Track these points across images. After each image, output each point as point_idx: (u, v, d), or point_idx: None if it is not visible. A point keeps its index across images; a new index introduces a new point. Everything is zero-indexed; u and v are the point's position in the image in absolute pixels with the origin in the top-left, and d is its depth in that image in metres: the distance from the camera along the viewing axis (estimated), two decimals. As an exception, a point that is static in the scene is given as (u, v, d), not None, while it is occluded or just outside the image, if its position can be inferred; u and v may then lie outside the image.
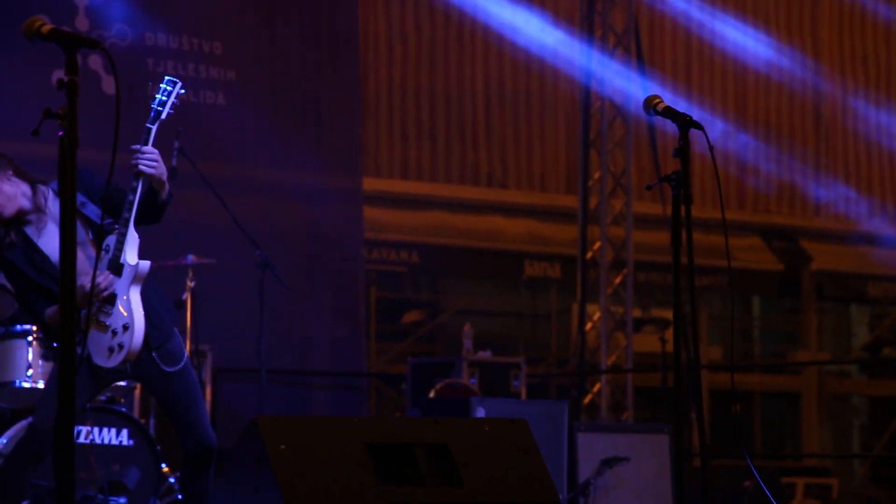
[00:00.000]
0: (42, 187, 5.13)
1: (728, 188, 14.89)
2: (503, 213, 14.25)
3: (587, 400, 12.01)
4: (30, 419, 6.33)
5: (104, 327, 5.00)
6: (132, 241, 5.01)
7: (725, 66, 15.35)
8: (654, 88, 13.00)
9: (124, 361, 5.02)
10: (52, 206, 5.11)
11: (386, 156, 13.72)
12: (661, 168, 12.24)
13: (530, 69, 14.02)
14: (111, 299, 5.00)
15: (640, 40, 12.56)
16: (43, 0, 9.24)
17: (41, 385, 6.57)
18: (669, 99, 4.64)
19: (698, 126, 4.42)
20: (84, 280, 4.87)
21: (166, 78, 5.13)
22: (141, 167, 4.93)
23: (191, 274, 8.06)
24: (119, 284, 5.00)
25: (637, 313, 12.99)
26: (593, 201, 12.36)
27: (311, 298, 10.44)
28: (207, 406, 6.96)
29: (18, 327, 6.64)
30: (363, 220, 11.25)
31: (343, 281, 10.83)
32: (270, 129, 10.51)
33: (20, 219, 5.10)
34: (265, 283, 8.17)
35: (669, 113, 4.46)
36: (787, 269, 15.75)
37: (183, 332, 7.79)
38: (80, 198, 4.95)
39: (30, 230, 5.11)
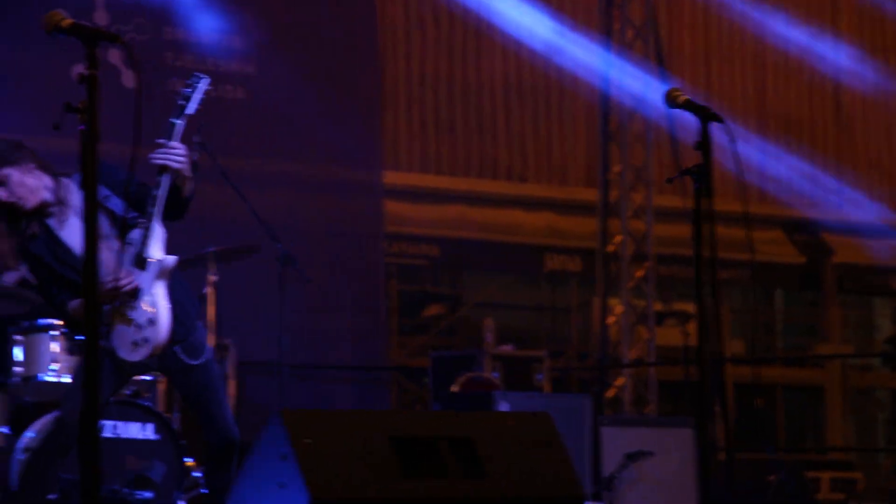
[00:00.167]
0: (65, 180, 5.13)
1: (749, 181, 14.85)
2: (523, 207, 14.23)
3: (610, 394, 11.98)
4: (56, 413, 6.35)
5: (129, 321, 5.01)
6: (157, 235, 5.01)
7: (745, 57, 15.30)
8: (672, 81, 12.97)
9: (149, 356, 5.02)
10: (75, 198, 5.11)
11: (405, 149, 13.71)
12: (681, 161, 12.21)
13: (549, 62, 13.99)
14: (135, 293, 5.00)
15: (658, 33, 12.53)
16: (62, -5, 9.24)
17: (65, 379, 6.58)
18: (687, 92, 4.62)
19: (719, 119, 4.39)
20: (107, 276, 4.87)
21: (193, 74, 5.12)
22: (167, 162, 4.92)
23: (213, 269, 8.06)
24: (144, 279, 5.00)
25: (658, 307, 12.97)
26: (613, 195, 12.33)
27: (332, 292, 10.44)
28: (230, 400, 6.97)
29: (43, 321, 6.65)
30: (383, 213, 11.25)
31: (364, 274, 10.83)
32: (290, 123, 10.51)
33: (42, 211, 5.11)
34: (286, 277, 8.16)
35: (690, 105, 4.44)
36: (809, 262, 15.69)
37: (206, 326, 7.79)
38: (103, 191, 4.96)
39: (52, 222, 5.11)
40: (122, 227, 4.99)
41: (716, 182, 4.37)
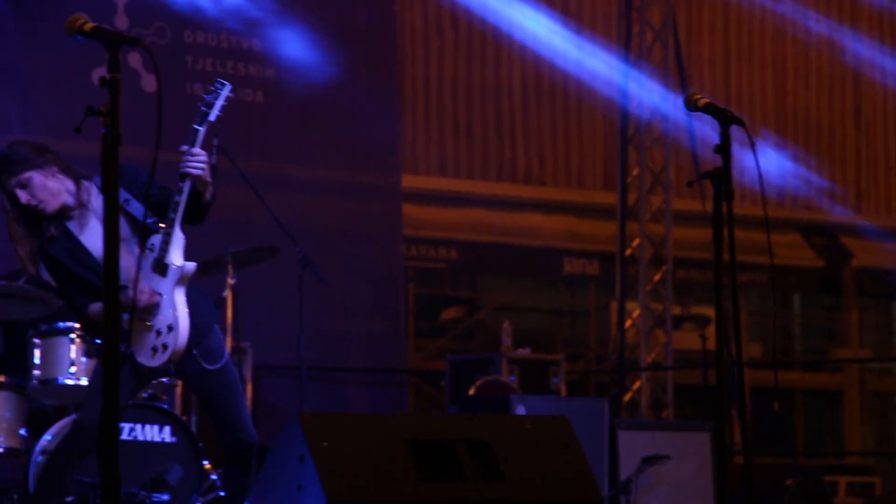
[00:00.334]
0: (86, 183, 5.14)
1: (767, 185, 14.80)
2: (541, 210, 14.22)
3: (627, 397, 11.97)
4: (74, 416, 6.37)
5: (149, 327, 5.02)
6: (178, 241, 5.01)
7: (764, 61, 15.27)
8: (691, 84, 12.96)
9: (168, 362, 5.03)
10: (96, 201, 5.12)
11: (423, 153, 13.72)
12: (700, 164, 12.19)
13: (567, 65, 13.98)
14: (157, 305, 5.02)
15: (678, 36, 12.51)
16: (82, -2, 9.28)
17: (84, 382, 6.59)
18: (707, 94, 4.60)
19: (740, 122, 4.38)
20: (127, 282, 4.88)
21: (216, 80, 5.12)
22: (188, 168, 4.93)
23: (231, 272, 8.07)
24: (164, 285, 5.01)
25: (676, 310, 12.95)
26: (632, 198, 12.32)
27: (349, 295, 10.45)
28: (248, 403, 6.97)
29: (61, 324, 6.67)
30: (402, 217, 11.26)
31: (382, 278, 10.83)
32: (309, 127, 10.53)
33: (63, 214, 5.12)
34: (304, 280, 8.18)
35: (710, 108, 4.42)
36: (828, 266, 15.65)
37: (223, 330, 7.79)
38: (124, 194, 4.97)
39: (72, 225, 5.13)
40: (143, 231, 5.01)
41: (735, 185, 4.36)
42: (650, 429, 8.26)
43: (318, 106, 10.56)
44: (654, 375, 12.11)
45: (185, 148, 4.96)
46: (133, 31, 9.57)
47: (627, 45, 12.37)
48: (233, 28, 10.24)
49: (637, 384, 12.04)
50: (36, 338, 6.68)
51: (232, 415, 5.17)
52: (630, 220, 12.32)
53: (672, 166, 12.41)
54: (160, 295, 5.01)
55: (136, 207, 5.00)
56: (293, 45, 10.49)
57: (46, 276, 5.30)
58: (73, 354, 6.62)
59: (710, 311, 12.50)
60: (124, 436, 6.59)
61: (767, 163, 14.53)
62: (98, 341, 6.48)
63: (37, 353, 6.67)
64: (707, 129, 11.98)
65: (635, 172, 12.33)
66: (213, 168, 6.85)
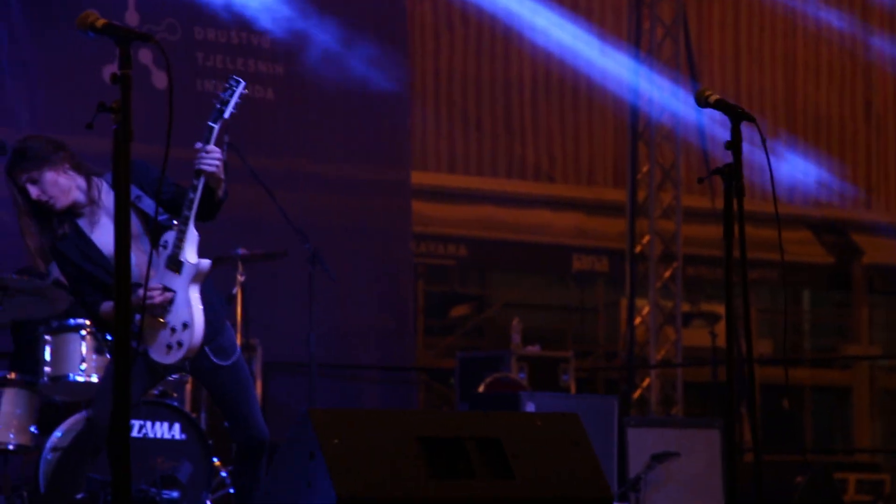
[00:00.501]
0: (96, 179, 5.14)
1: (777, 181, 14.75)
2: (551, 207, 14.21)
3: (636, 394, 11.96)
4: (85, 413, 6.38)
5: (163, 324, 5.02)
6: (192, 238, 5.02)
7: (775, 56, 15.24)
8: (702, 80, 12.94)
9: (183, 359, 5.04)
10: (106, 198, 5.12)
11: (433, 149, 13.71)
12: (710, 161, 12.17)
13: (577, 61, 13.96)
14: (170, 303, 5.02)
15: (688, 32, 12.49)
16: (93, -5, 9.28)
17: (94, 379, 6.60)
18: (718, 90, 4.59)
19: (751, 118, 4.37)
20: (139, 279, 4.88)
21: (231, 77, 5.12)
22: (202, 165, 4.94)
23: (240, 268, 8.08)
24: (179, 282, 5.01)
25: (686, 307, 12.94)
26: (642, 195, 12.31)
27: (359, 292, 10.45)
28: (258, 400, 6.98)
29: (72, 321, 6.68)
30: (411, 213, 11.26)
31: (391, 274, 10.83)
32: (319, 123, 10.53)
33: (74, 211, 5.12)
34: (314, 276, 8.18)
35: (721, 105, 4.41)
36: (838, 263, 15.63)
37: (233, 326, 7.81)
38: (135, 191, 4.98)
39: (83, 222, 5.13)
40: (154, 228, 5.01)
41: (745, 182, 4.35)
42: (660, 426, 8.26)
43: (328, 102, 10.56)
44: (664, 372, 12.10)
45: (199, 145, 4.96)
46: (143, 28, 9.57)
47: (638, 42, 12.36)
48: (243, 24, 10.25)
49: (647, 381, 12.03)
50: (47, 334, 6.69)
51: (244, 411, 5.17)
52: (640, 217, 12.31)
53: (682, 163, 12.39)
54: (173, 292, 5.01)
55: (148, 204, 5.01)
56: (303, 42, 10.49)
57: (57, 273, 5.31)
58: (83, 351, 6.63)
59: (719, 308, 12.50)
60: (134, 433, 6.59)
61: (778, 158, 14.51)
62: (110, 338, 6.49)
63: (47, 349, 6.68)
64: (717, 126, 11.98)
65: (645, 169, 12.31)
66: (224, 165, 6.87)
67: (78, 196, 5.10)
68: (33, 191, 5.04)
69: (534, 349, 10.26)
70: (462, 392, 9.82)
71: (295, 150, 10.44)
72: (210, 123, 5.01)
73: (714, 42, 15.00)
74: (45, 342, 6.68)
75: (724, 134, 4.41)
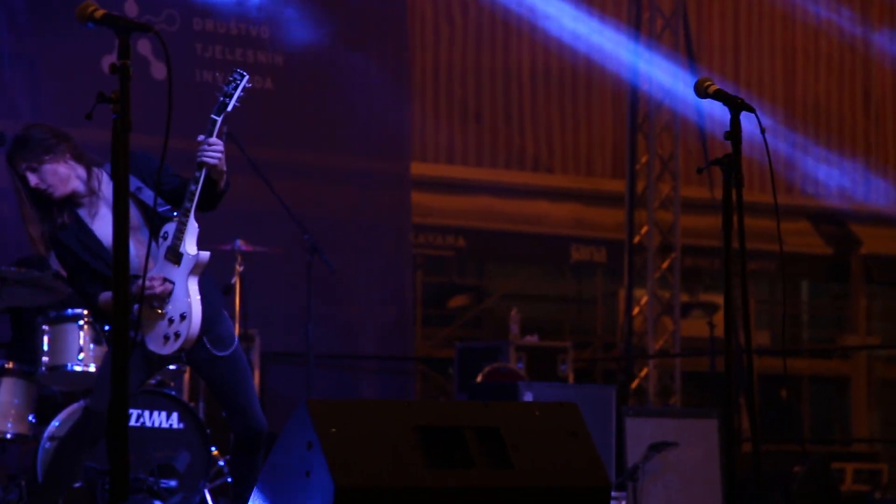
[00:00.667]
0: (96, 170, 5.14)
1: (776, 171, 14.73)
2: (549, 198, 14.21)
3: (635, 385, 11.98)
4: (83, 402, 6.38)
5: (162, 315, 5.03)
6: (192, 230, 5.02)
7: (774, 47, 15.23)
8: (701, 71, 12.93)
9: (180, 350, 5.04)
10: (106, 188, 5.12)
11: (432, 140, 13.71)
12: (709, 151, 12.17)
13: (576, 52, 13.96)
14: (168, 294, 5.02)
15: (688, 23, 12.49)
16: (92, -15, 9.27)
17: (92, 369, 6.61)
18: (717, 81, 4.59)
19: (750, 109, 4.37)
20: (138, 271, 4.88)
21: (235, 70, 5.12)
22: (205, 158, 4.94)
23: (239, 259, 8.09)
24: (178, 273, 5.02)
25: (684, 298, 12.95)
26: (640, 185, 12.32)
27: (358, 283, 10.46)
28: (256, 390, 6.99)
29: (70, 311, 6.68)
30: (410, 204, 11.26)
31: (390, 265, 10.84)
32: (318, 114, 10.53)
33: (73, 201, 5.12)
34: (313, 267, 8.19)
35: (721, 95, 4.41)
36: (836, 253, 15.63)
37: (231, 317, 7.80)
38: (135, 182, 4.98)
39: (82, 212, 5.13)
40: (153, 218, 5.02)
41: (744, 172, 4.35)
42: (657, 416, 8.27)
43: (327, 93, 10.56)
44: (662, 363, 12.12)
45: (201, 137, 4.96)
46: (142, 19, 9.56)
47: (637, 31, 12.35)
48: (242, 15, 10.24)
49: (644, 371, 12.05)
50: (45, 324, 6.70)
51: (241, 401, 5.18)
52: (638, 208, 12.31)
53: (681, 154, 12.40)
54: (171, 283, 5.02)
55: (148, 195, 5.01)
56: (303, 33, 10.49)
57: (56, 264, 5.31)
58: (81, 341, 6.64)
59: (718, 299, 12.50)
60: (132, 422, 6.60)
61: (777, 149, 14.50)
62: (108, 329, 6.49)
63: (45, 339, 6.69)
64: (717, 116, 11.97)
65: (644, 160, 12.32)
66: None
67: (77, 186, 5.10)
68: (32, 178, 5.04)
69: (532, 339, 10.27)
70: (460, 382, 9.83)
71: (294, 141, 10.44)
72: (213, 116, 5.01)
73: (714, 32, 14.99)
74: (43, 332, 6.69)
75: (724, 124, 4.40)
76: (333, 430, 4.06)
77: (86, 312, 6.64)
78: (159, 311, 5.02)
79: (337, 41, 10.66)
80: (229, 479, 6.94)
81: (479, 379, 9.38)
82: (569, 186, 14.28)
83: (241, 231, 8.10)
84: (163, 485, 6.54)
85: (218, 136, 5.00)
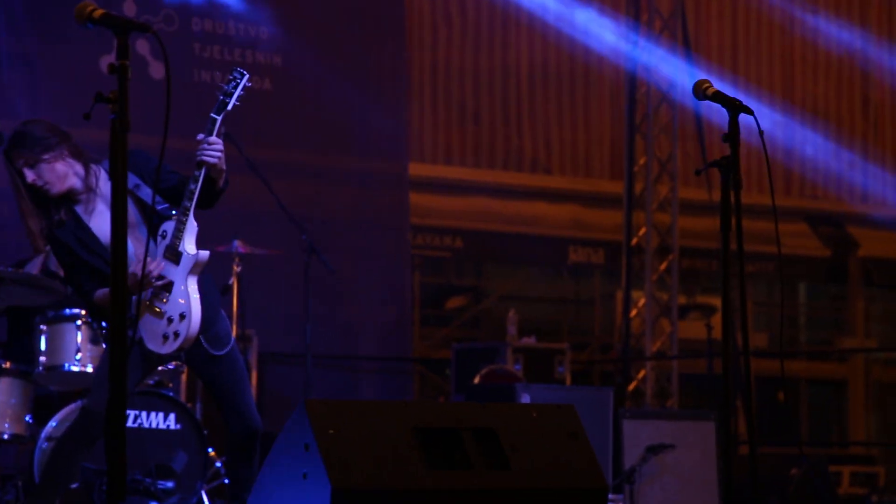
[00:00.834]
0: (94, 167, 5.14)
1: (774, 173, 14.74)
2: (547, 199, 14.21)
3: (632, 386, 11.98)
4: (80, 402, 6.38)
5: (160, 314, 5.02)
6: (191, 229, 5.02)
7: (772, 50, 15.24)
8: (700, 73, 12.93)
9: (179, 349, 5.04)
10: (104, 185, 5.12)
11: (430, 141, 13.71)
12: (707, 153, 12.18)
13: (575, 53, 13.97)
14: (168, 287, 5.02)
15: (686, 24, 12.49)
16: (90, -15, 9.27)
17: (90, 369, 6.60)
18: (716, 83, 4.59)
19: (748, 111, 4.37)
20: (136, 267, 4.89)
21: (234, 69, 5.12)
22: (204, 157, 4.93)
23: (237, 259, 8.08)
24: (177, 272, 5.01)
25: (682, 300, 12.95)
26: (638, 187, 12.32)
27: (356, 283, 10.46)
28: (253, 390, 6.99)
29: (67, 311, 6.68)
30: (408, 205, 11.26)
31: (388, 266, 10.84)
32: (316, 114, 10.53)
33: (71, 198, 5.12)
34: (311, 267, 8.18)
35: (719, 98, 4.42)
36: (834, 256, 15.63)
37: (229, 317, 7.80)
38: (134, 179, 4.98)
39: (80, 209, 5.13)
40: (151, 215, 5.01)
41: (742, 174, 4.35)
42: (655, 418, 8.26)
43: (326, 94, 10.56)
44: (659, 365, 12.12)
45: (201, 136, 4.96)
46: (141, 18, 9.56)
47: (636, 33, 12.36)
48: (240, 15, 10.24)
49: (642, 373, 12.05)
50: (42, 324, 6.69)
51: (238, 401, 5.18)
52: (636, 209, 12.31)
53: (679, 155, 12.40)
54: (171, 281, 5.01)
55: (147, 193, 5.01)
56: (301, 34, 10.49)
57: (53, 264, 5.31)
58: (79, 341, 6.63)
59: (715, 301, 12.50)
60: (129, 423, 6.60)
61: (775, 151, 14.50)
62: (105, 327, 6.49)
63: (43, 339, 6.68)
64: (716, 117, 11.97)
65: (642, 161, 12.32)
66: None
67: (75, 183, 5.10)
68: (29, 174, 5.04)
69: (529, 341, 10.27)
70: (458, 383, 9.83)
71: (292, 142, 10.44)
72: (213, 115, 5.00)
73: (712, 35, 14.99)
74: (41, 332, 6.68)
75: (722, 126, 4.40)
76: (331, 430, 4.06)
77: (83, 312, 6.63)
78: (158, 310, 5.01)
79: (334, 40, 10.66)
80: (226, 480, 6.95)
81: (476, 380, 9.38)
82: (567, 188, 14.29)
83: (239, 231, 8.10)
84: (160, 486, 6.53)
85: (217, 136, 4.99)
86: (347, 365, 10.75)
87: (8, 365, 6.71)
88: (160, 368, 6.69)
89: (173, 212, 5.02)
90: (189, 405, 7.20)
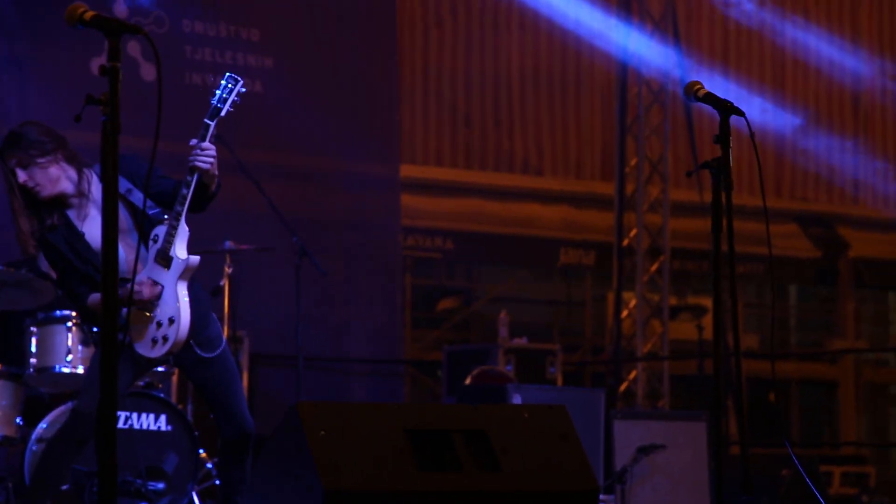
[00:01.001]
0: (86, 171, 5.13)
1: (765, 174, 14.75)
2: (538, 200, 14.22)
3: (623, 387, 11.99)
4: (71, 404, 6.37)
5: (150, 319, 5.02)
6: (182, 234, 5.01)
7: (763, 51, 15.26)
8: (691, 74, 12.95)
9: (168, 353, 5.04)
10: (96, 190, 5.11)
11: (421, 142, 13.71)
12: (698, 154, 12.19)
13: (566, 55, 13.98)
14: (157, 297, 5.02)
15: (677, 25, 12.51)
16: (81, -13, 9.26)
17: (80, 370, 6.60)
18: (707, 85, 4.60)
19: (739, 112, 4.38)
20: (126, 274, 4.87)
21: (227, 74, 5.12)
22: (197, 163, 4.93)
23: (228, 260, 8.08)
24: (167, 277, 5.01)
25: (673, 301, 12.96)
26: (630, 188, 12.33)
27: (347, 285, 10.46)
28: (244, 392, 6.98)
29: (58, 313, 6.67)
30: (400, 206, 11.26)
31: (380, 268, 10.84)
32: (307, 117, 10.53)
33: (62, 202, 5.11)
34: (302, 269, 8.18)
35: (710, 99, 4.42)
36: (825, 257, 15.66)
37: (220, 319, 7.82)
38: (125, 184, 4.97)
39: (72, 214, 5.12)
40: (142, 219, 5.01)
41: (733, 175, 4.36)
42: (646, 418, 8.27)
43: (317, 96, 10.56)
44: (651, 365, 12.13)
45: (194, 142, 4.96)
46: (132, 20, 9.56)
47: (626, 34, 12.37)
48: (231, 17, 10.24)
49: (633, 374, 12.06)
50: (33, 326, 6.68)
51: (229, 403, 5.17)
52: (627, 211, 12.32)
53: (670, 156, 12.41)
54: (161, 286, 5.01)
55: (138, 197, 5.00)
56: (292, 36, 10.48)
57: (44, 265, 5.30)
58: (69, 343, 6.62)
59: (706, 302, 12.52)
60: (120, 424, 6.59)
61: (763, 151, 14.52)
62: (96, 330, 6.48)
63: (33, 341, 6.67)
64: (707, 119, 11.99)
65: (633, 162, 12.33)
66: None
67: (67, 187, 5.09)
68: (21, 175, 5.04)
69: (521, 342, 10.28)
70: (449, 385, 9.83)
71: (283, 144, 10.43)
72: (206, 120, 5.00)
73: (703, 37, 15.01)
74: (31, 333, 6.67)
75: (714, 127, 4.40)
76: (322, 432, 4.06)
77: (74, 314, 6.62)
78: (148, 315, 5.01)
79: (326, 43, 10.66)
80: (217, 482, 6.94)
81: (467, 381, 9.39)
82: (558, 189, 14.30)
83: (231, 233, 8.09)
84: (151, 487, 6.52)
85: (210, 141, 4.99)
86: (339, 367, 10.74)
87: (-2, 367, 6.70)
88: (152, 371, 6.67)
89: (165, 216, 5.02)
90: (180, 406, 7.19)
